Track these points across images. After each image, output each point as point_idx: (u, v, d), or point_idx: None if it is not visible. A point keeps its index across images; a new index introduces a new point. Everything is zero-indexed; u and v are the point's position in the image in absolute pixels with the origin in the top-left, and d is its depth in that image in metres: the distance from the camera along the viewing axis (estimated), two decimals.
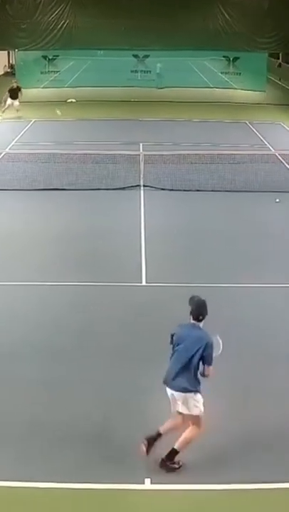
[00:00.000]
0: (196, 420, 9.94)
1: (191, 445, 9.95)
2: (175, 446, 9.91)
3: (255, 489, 9.56)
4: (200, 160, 26.12)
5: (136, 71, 47.70)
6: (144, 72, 47.46)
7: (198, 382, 9.90)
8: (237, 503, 9.42)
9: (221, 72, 48.66)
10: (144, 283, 16.25)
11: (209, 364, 9.81)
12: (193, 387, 9.87)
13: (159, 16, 42.38)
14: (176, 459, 9.92)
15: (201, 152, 26.55)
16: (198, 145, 27.25)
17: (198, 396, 9.90)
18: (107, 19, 42.76)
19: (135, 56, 46.92)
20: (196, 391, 9.88)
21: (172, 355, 10.08)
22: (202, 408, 9.89)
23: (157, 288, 16.13)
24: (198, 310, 10.15)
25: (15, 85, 36.33)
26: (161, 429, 10.05)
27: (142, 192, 22.93)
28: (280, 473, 9.88)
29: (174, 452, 9.91)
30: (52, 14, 43.56)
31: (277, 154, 27.61)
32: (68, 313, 14.91)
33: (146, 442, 9.95)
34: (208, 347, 9.81)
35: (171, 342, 10.17)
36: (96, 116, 36.69)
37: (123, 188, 23.38)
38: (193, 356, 9.82)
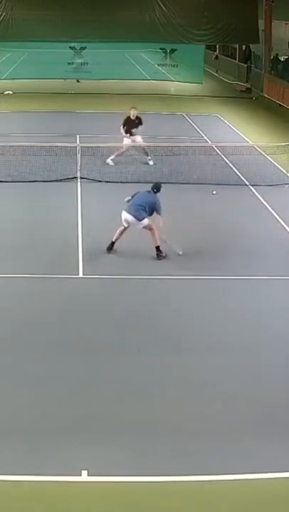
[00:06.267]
0: (149, 226, 16.80)
1: None
2: (156, 244, 16.89)
3: (193, 481, 9.69)
4: (137, 152, 26.16)
5: (73, 63, 47.48)
6: (81, 64, 47.27)
7: (143, 216, 16.67)
8: (172, 493, 9.50)
9: (158, 64, 48.64)
10: (80, 275, 16.25)
11: (160, 214, 16.76)
12: (140, 218, 16.69)
13: (96, 8, 42.21)
14: (162, 252, 16.93)
15: (139, 144, 26.57)
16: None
17: (144, 219, 16.74)
18: (44, 11, 42.45)
19: (72, 48, 46.70)
20: (143, 219, 16.71)
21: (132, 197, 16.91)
22: (147, 220, 16.74)
23: (94, 280, 16.16)
24: (156, 186, 17.15)
25: None
26: (114, 238, 17.02)
27: (78, 184, 22.89)
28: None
29: (157, 248, 16.93)
30: None
31: (214, 146, 27.76)
32: (4, 305, 14.84)
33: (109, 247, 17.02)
34: (158, 204, 16.79)
35: (133, 195, 17.02)
36: (33, 109, 36.45)
37: (60, 180, 23.32)
38: (147, 201, 16.74)
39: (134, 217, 16.78)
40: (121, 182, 23.05)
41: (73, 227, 19.02)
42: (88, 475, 9.60)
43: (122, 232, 17.12)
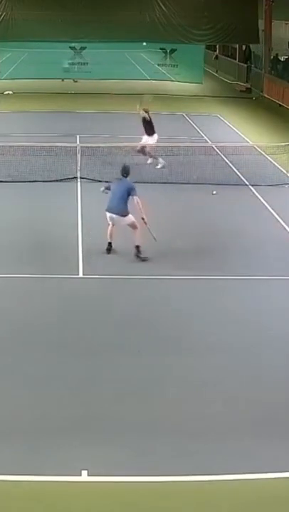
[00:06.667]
0: (133, 224, 16.88)
1: None
2: (136, 243, 16.91)
3: (196, 481, 9.69)
4: (137, 152, 26.13)
5: (73, 63, 47.50)
6: (82, 64, 47.28)
7: (127, 209, 16.79)
8: (172, 493, 9.50)
9: (158, 64, 48.65)
10: (80, 275, 16.25)
11: (135, 195, 16.72)
12: (124, 213, 16.81)
13: (96, 8, 42.24)
14: (142, 254, 16.88)
15: (138, 144, 26.56)
16: (135, 137, 27.23)
17: (128, 216, 16.84)
18: (44, 11, 42.46)
19: (72, 48, 46.70)
20: (127, 214, 16.84)
21: (110, 194, 17.01)
22: (132, 217, 16.86)
23: (94, 280, 16.17)
24: (124, 170, 17.32)
25: None
26: (108, 239, 17.14)
27: (78, 184, 22.89)
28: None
29: (137, 247, 16.91)
30: None
31: (214, 146, 27.76)
32: (4, 305, 14.85)
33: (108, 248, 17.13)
34: (132, 187, 16.83)
35: (107, 187, 17.42)
36: (33, 109, 36.45)
37: (60, 180, 23.32)
38: (123, 192, 16.74)
39: (117, 214, 16.92)
40: None
41: (73, 227, 19.01)
42: (88, 475, 9.60)
43: (111, 230, 17.25)
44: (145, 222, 16.90)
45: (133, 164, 24.62)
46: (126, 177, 17.29)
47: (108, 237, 17.24)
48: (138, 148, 25.55)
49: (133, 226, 17.02)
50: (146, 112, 25.82)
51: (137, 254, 17.04)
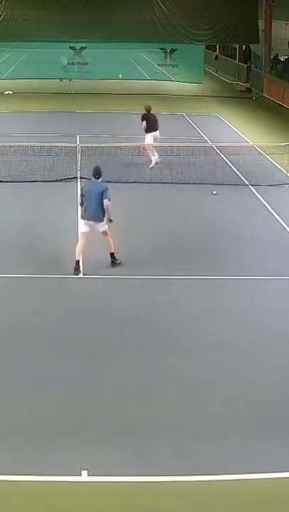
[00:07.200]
0: (105, 231, 16.39)
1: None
2: (111, 251, 16.58)
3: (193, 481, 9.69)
4: (137, 152, 26.15)
5: (73, 63, 47.52)
6: (81, 64, 47.29)
7: (104, 214, 16.23)
8: (172, 493, 9.50)
9: (158, 64, 48.66)
10: (80, 275, 16.24)
11: (107, 197, 16.17)
12: (102, 218, 16.25)
13: (96, 8, 42.25)
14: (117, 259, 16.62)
15: (139, 144, 26.58)
16: (135, 137, 27.24)
17: (104, 221, 16.26)
18: (44, 11, 42.47)
19: (72, 48, 46.71)
20: (103, 220, 16.26)
21: (84, 201, 16.44)
22: (106, 226, 16.30)
23: (94, 280, 16.16)
24: (96, 171, 16.74)
25: None
26: (80, 257, 16.32)
27: (78, 184, 22.82)
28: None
29: (112, 254, 16.59)
30: None
31: (214, 146, 27.77)
32: (4, 305, 14.85)
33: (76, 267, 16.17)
34: (106, 189, 16.32)
35: (82, 194, 16.70)
36: (33, 109, 36.46)
37: (60, 180, 23.32)
38: (98, 196, 16.17)
39: (97, 221, 16.31)
40: (120, 182, 23.01)
41: (73, 227, 18.97)
42: (88, 475, 9.60)
43: (84, 245, 16.45)
44: (110, 220, 16.46)
45: (133, 164, 24.84)
46: (98, 178, 16.67)
47: (78, 254, 16.36)
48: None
49: (105, 233, 16.47)
50: (148, 110, 25.85)
51: (113, 261, 16.65)
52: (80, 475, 9.58)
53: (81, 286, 15.90)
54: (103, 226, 16.35)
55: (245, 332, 13.96)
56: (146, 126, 25.62)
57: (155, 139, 25.76)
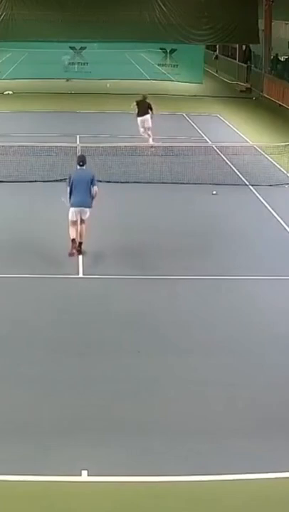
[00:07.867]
0: (87, 219, 16.84)
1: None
2: (81, 240, 17.04)
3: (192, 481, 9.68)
4: (137, 152, 26.16)
5: (73, 63, 47.54)
6: (82, 64, 47.32)
7: (92, 200, 16.86)
8: (172, 494, 9.49)
9: (158, 64, 48.67)
10: (80, 275, 16.24)
11: (96, 184, 16.82)
12: (90, 204, 16.88)
13: (95, 8, 42.26)
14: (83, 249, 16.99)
15: (138, 144, 26.58)
16: (135, 137, 27.27)
17: (91, 207, 16.83)
18: (44, 11, 42.48)
19: (72, 48, 46.73)
20: (91, 206, 16.90)
21: (73, 189, 16.88)
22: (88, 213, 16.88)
23: (94, 280, 16.16)
24: (80, 159, 17.33)
25: None
26: (77, 238, 16.95)
27: None
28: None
29: (81, 243, 16.99)
30: None
31: (214, 146, 27.78)
32: (4, 305, 14.85)
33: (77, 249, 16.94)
34: (93, 176, 16.99)
35: (69, 182, 17.07)
36: (33, 109, 36.44)
37: (60, 180, 23.27)
38: (87, 183, 16.74)
39: (86, 206, 16.98)
40: (121, 182, 23.05)
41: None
42: (88, 475, 9.59)
43: (77, 228, 17.11)
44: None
45: (133, 164, 24.84)
46: (82, 165, 17.24)
47: (77, 236, 17.09)
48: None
49: (84, 221, 17.06)
50: (143, 98, 28.69)
51: (78, 249, 17.02)
52: (80, 475, 9.58)
53: (81, 286, 15.89)
54: (88, 213, 16.96)
55: (245, 332, 13.96)
56: (138, 111, 28.15)
57: (143, 122, 28.02)
